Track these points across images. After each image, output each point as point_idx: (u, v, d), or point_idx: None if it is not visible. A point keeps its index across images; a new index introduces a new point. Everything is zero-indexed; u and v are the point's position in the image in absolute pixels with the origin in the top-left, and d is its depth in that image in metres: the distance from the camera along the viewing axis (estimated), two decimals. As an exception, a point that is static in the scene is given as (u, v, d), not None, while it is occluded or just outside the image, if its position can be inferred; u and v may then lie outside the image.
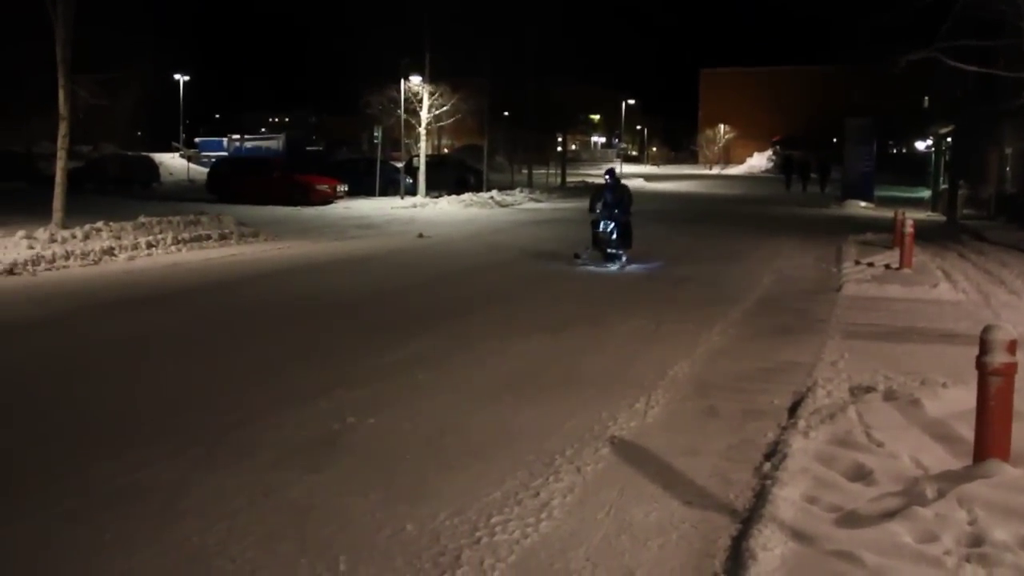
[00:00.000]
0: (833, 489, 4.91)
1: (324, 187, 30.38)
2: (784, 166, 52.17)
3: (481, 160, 39.77)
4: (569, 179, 45.45)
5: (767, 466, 5.38)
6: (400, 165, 35.68)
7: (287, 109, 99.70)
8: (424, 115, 33.44)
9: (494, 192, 33.31)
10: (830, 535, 4.30)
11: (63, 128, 16.94)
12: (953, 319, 10.42)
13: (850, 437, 5.72)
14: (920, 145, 57.15)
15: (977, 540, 4.14)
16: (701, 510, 4.82)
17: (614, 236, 14.69)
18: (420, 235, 19.78)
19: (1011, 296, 12.10)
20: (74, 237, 15.47)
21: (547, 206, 31.66)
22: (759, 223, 25.72)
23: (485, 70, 36.73)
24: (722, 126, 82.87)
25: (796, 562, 4.05)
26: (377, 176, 33.75)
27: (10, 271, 13.01)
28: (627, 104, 73.97)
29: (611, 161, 79.12)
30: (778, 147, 77.59)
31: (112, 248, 15.26)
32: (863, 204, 34.04)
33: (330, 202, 30.00)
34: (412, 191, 32.86)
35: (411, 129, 34.87)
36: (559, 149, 51.27)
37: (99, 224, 16.41)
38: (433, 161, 37.20)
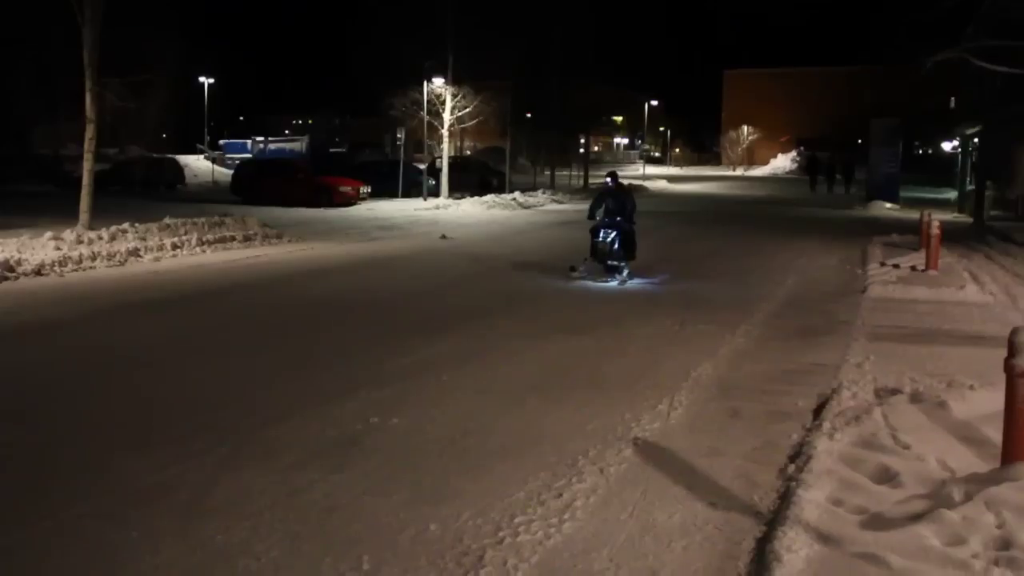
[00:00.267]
0: (859, 491, 4.88)
1: (347, 189, 30.51)
2: (809, 167, 51.82)
3: (504, 162, 39.79)
4: (592, 181, 45.30)
5: (791, 468, 5.35)
6: (423, 167, 35.77)
7: (310, 111, 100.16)
8: (447, 117, 33.50)
9: (517, 194, 33.31)
10: (856, 537, 4.27)
11: (90, 131, 17.11)
12: (980, 321, 10.32)
13: (876, 439, 5.68)
14: (946, 146, 56.66)
15: (1005, 543, 4.10)
16: (725, 512, 4.80)
17: (615, 247, 13.25)
18: (443, 236, 19.82)
19: (1039, 298, 11.96)
20: (100, 238, 15.63)
21: (570, 207, 31.60)
22: (783, 224, 25.58)
23: (508, 72, 36.75)
24: (745, 127, 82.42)
25: (821, 564, 4.03)
26: (400, 178, 33.84)
27: (38, 272, 13.16)
28: (650, 105, 73.72)
29: (634, 163, 78.99)
30: (802, 148, 77.12)
31: (138, 249, 15.39)
32: (888, 205, 33.76)
33: (353, 203, 30.11)
34: (435, 192, 32.94)
35: (434, 131, 34.95)
36: (582, 151, 51.18)
37: (125, 225, 16.57)
38: (456, 163, 37.27)
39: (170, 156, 44.87)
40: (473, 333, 9.53)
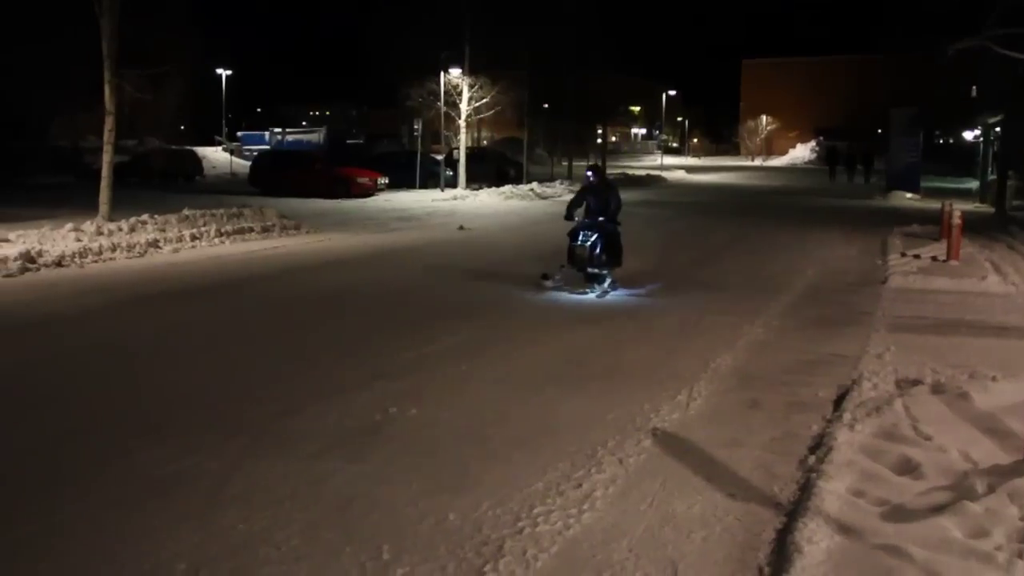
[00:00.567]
0: (880, 482, 4.85)
1: (365, 180, 30.56)
2: (828, 157, 51.50)
3: (521, 152, 39.73)
4: (609, 171, 45.15)
5: (812, 459, 5.32)
6: (440, 157, 35.76)
7: (328, 102, 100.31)
8: (464, 107, 33.48)
9: (534, 184, 33.26)
10: (877, 529, 4.25)
11: (109, 123, 17.20)
12: (1002, 312, 10.23)
13: (897, 430, 5.64)
14: (968, 135, 56.05)
15: (1029, 535, 4.07)
16: (744, 503, 4.78)
17: (596, 251, 11.33)
18: (461, 227, 19.83)
19: (1062, 288, 11.84)
20: (120, 230, 15.74)
21: (587, 198, 31.53)
22: (802, 215, 25.43)
23: (524, 62, 36.66)
24: (764, 117, 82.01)
25: (842, 556, 4.01)
26: (417, 169, 33.84)
27: (59, 263, 13.25)
28: (668, 95, 73.41)
29: (652, 153, 78.66)
30: (821, 137, 76.62)
31: (157, 240, 15.47)
32: (909, 195, 33.49)
33: (371, 195, 30.16)
34: (452, 183, 32.93)
35: (451, 121, 34.92)
36: (599, 141, 51.05)
37: (144, 217, 16.67)
38: (473, 153, 37.24)
39: (188, 148, 45.06)
40: (492, 323, 9.54)
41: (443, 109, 34.36)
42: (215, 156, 50.06)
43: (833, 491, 4.67)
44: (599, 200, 11.71)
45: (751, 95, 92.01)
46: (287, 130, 59.10)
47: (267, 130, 59.90)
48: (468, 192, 31.16)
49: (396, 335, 8.91)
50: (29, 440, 5.68)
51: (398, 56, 40.55)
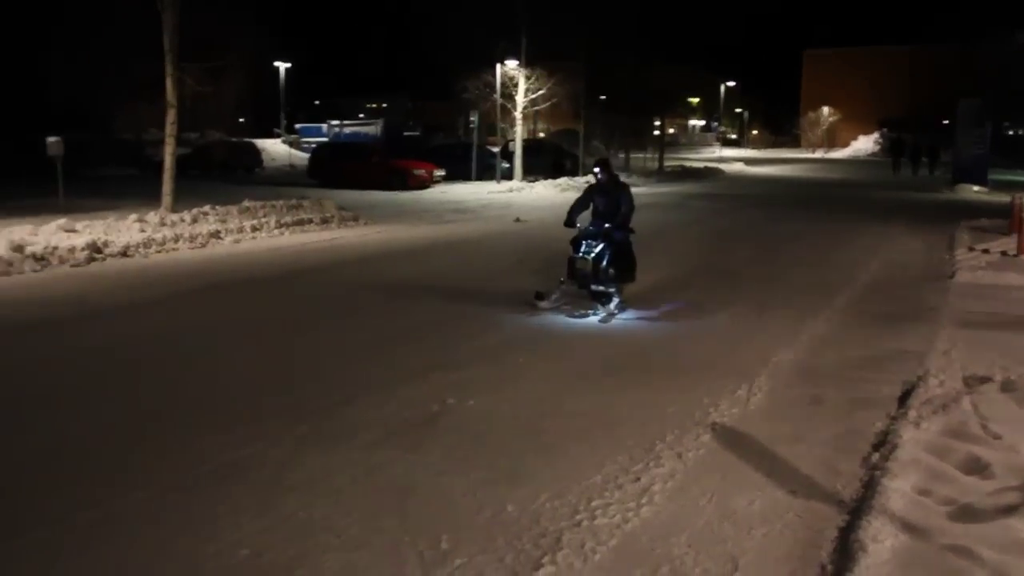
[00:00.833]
0: (947, 482, 4.74)
1: (421, 172, 30.69)
2: (892, 149, 50.42)
3: (577, 144, 39.55)
4: (667, 164, 44.80)
5: (876, 456, 5.22)
6: (496, 150, 35.76)
7: (384, 94, 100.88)
8: (520, 99, 33.42)
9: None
10: (944, 529, 4.15)
11: (171, 115, 17.48)
12: (1075, 308, 9.93)
13: (965, 429, 5.51)
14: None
15: (1105, 539, 3.94)
16: (806, 499, 4.71)
17: (603, 264, 9.58)
18: (517, 219, 19.81)
19: None
20: (183, 221, 16.02)
21: (644, 191, 31.24)
22: (865, 208, 24.94)
23: (581, 54, 36.47)
24: (825, 108, 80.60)
25: (908, 556, 3.92)
26: (474, 161, 33.89)
27: (124, 253, 13.53)
28: (727, 86, 72.52)
29: (710, 145, 77.77)
30: (885, 129, 75.09)
31: (218, 231, 15.72)
32: (976, 188, 32.66)
33: (427, 186, 30.29)
34: (508, 176, 32.91)
35: (507, 113, 34.90)
36: (656, 133, 50.59)
37: (206, 208, 16.95)
38: (529, 145, 37.14)
39: (248, 140, 45.69)
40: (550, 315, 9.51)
41: (499, 101, 34.34)
42: (274, 148, 50.67)
43: (898, 489, 4.58)
44: (608, 202, 10.03)
45: (812, 86, 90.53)
46: (345, 122, 59.52)
47: (325, 122, 60.43)
48: (524, 184, 31.12)
49: (453, 326, 8.93)
50: (94, 427, 5.81)
51: (455, 48, 40.62)
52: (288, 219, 17.48)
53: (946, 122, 53.55)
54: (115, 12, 30.49)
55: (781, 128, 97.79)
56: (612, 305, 9.51)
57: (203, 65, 20.21)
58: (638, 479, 4.95)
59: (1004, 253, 13.88)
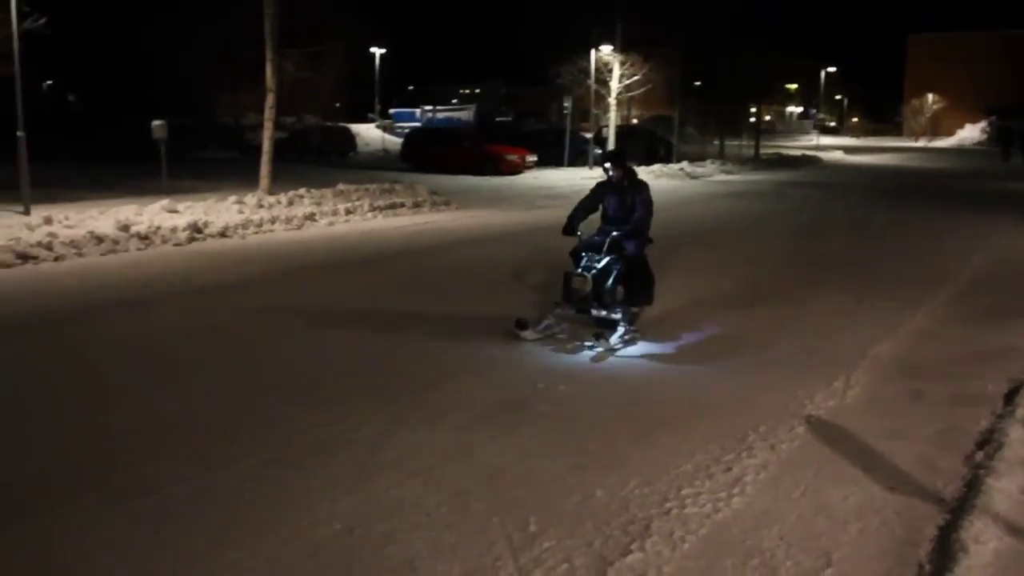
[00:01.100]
0: (1056, 484, 4.54)
1: (513, 157, 30.73)
2: (1000, 138, 48.41)
3: (671, 131, 39.09)
4: (763, 151, 43.96)
5: (980, 455, 5.03)
6: (589, 136, 35.56)
7: (477, 80, 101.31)
8: (614, 85, 33.14)
9: (684, 163, 32.65)
10: (1053, 533, 3.98)
11: (270, 100, 17.90)
12: None
13: (1076, 429, 5.27)
14: None
15: None
16: (904, 496, 4.58)
17: (609, 282, 7.64)
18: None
19: None
20: (279, 203, 16.40)
21: (739, 178, 30.77)
22: (970, 198, 24.04)
23: (677, 39, 35.98)
24: (930, 96, 77.76)
25: (1012, 558, 3.78)
26: (566, 146, 33.78)
27: (223, 234, 13.93)
28: (826, 73, 70.51)
29: (808, 133, 75.83)
30: (993, 117, 72.09)
31: (313, 214, 16.03)
32: (1091, 180, 31.19)
33: (519, 172, 30.32)
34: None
35: (600, 99, 34.66)
36: (752, 120, 49.62)
37: (301, 191, 17.31)
38: (622, 132, 36.84)
39: (343, 124, 46.44)
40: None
41: (593, 87, 34.13)
42: (368, 133, 51.40)
43: (1003, 490, 4.41)
44: (620, 204, 8.20)
45: (916, 72, 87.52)
46: (438, 107, 60.04)
47: (418, 107, 61.03)
48: (616, 171, 30.89)
49: (543, 311, 8.91)
50: (194, 401, 6.00)
51: (549, 34, 40.56)
52: (381, 203, 17.72)
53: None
54: (224, 1, 31.42)
55: (882, 116, 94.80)
56: (615, 337, 7.49)
57: (302, 51, 20.62)
58: (729, 469, 4.89)
59: (1122, 248, 13.21)
